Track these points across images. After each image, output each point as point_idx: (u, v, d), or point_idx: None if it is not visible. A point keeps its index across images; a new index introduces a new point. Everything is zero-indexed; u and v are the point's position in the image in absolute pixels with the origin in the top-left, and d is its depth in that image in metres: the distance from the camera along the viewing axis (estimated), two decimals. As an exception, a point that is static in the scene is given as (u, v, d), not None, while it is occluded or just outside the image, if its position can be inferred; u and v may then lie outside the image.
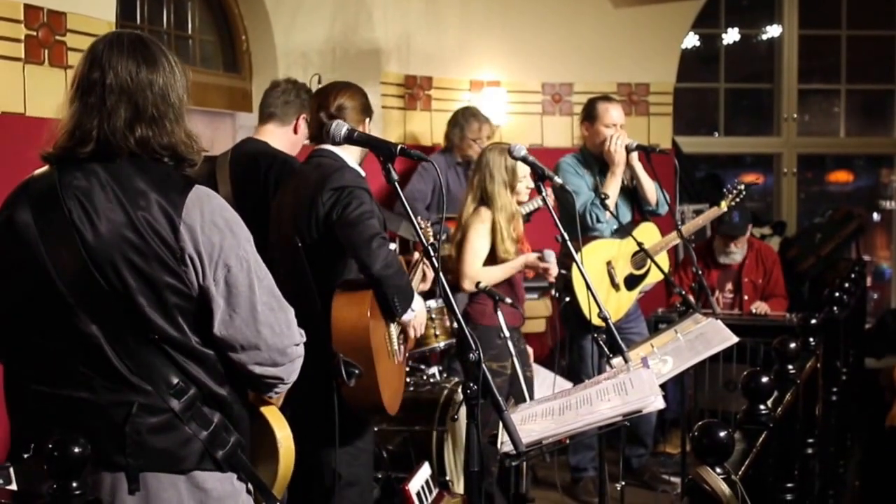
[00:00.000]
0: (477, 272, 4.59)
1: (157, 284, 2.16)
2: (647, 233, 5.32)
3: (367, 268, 3.38)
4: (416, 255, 4.09)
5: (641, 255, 5.26)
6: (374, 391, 3.40)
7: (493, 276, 4.61)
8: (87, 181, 2.19)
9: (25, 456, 2.24)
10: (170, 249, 2.16)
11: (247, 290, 2.21)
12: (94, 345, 2.17)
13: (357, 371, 3.14)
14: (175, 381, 2.20)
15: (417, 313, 3.62)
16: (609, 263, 5.30)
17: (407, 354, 3.89)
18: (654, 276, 5.48)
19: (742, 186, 5.52)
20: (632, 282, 5.42)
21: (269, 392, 2.36)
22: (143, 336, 2.18)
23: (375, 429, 3.85)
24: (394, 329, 3.63)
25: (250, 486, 2.33)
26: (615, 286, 5.31)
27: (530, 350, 5.03)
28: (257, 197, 4.01)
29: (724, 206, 5.53)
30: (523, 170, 4.56)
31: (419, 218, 4.49)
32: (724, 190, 5.59)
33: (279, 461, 2.43)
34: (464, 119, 6.62)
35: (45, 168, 2.27)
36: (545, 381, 5.23)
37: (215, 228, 2.19)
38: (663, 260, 5.39)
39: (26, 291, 2.21)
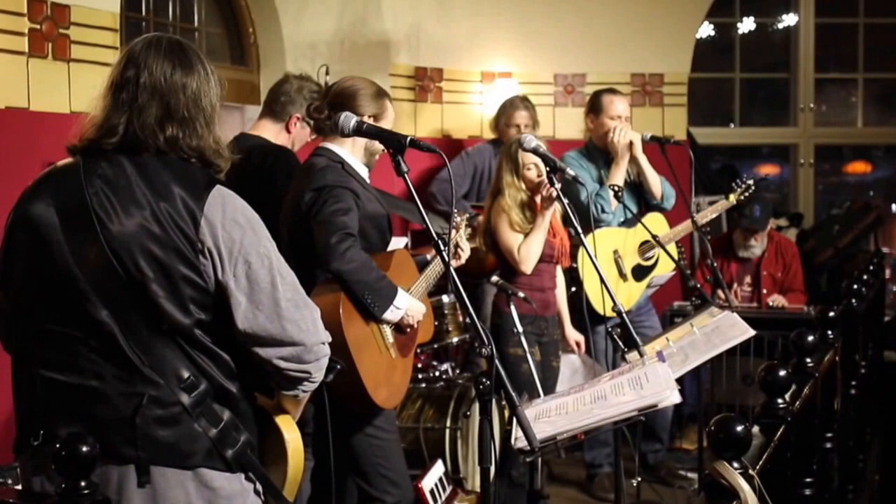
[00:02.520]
0: (525, 253, 4.56)
1: (174, 276, 2.18)
2: (654, 223, 5.27)
3: (326, 265, 3.36)
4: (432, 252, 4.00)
5: (649, 246, 5.29)
6: (358, 386, 3.37)
7: (534, 246, 4.57)
8: (112, 171, 2.22)
9: (35, 444, 2.24)
10: (189, 242, 2.18)
11: (269, 287, 2.23)
12: (107, 333, 2.18)
13: (338, 366, 3.07)
14: (186, 374, 2.21)
15: (406, 310, 3.52)
16: (616, 252, 5.25)
17: (415, 348, 3.80)
18: (664, 268, 5.44)
19: (751, 181, 5.53)
20: (640, 272, 5.39)
21: (295, 389, 2.35)
22: (156, 327, 2.19)
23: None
24: (385, 324, 3.56)
25: (258, 486, 2.32)
26: (622, 276, 5.28)
27: (581, 339, 5.03)
28: (251, 193, 3.95)
29: (732, 199, 5.58)
30: (529, 157, 4.54)
31: (455, 211, 4.44)
32: (734, 183, 5.56)
33: (288, 463, 2.42)
34: (502, 108, 6.66)
35: (68, 159, 2.30)
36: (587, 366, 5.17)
37: (236, 225, 2.23)
38: (671, 251, 5.33)
39: (43, 278, 2.22)
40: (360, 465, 3.59)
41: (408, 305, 3.52)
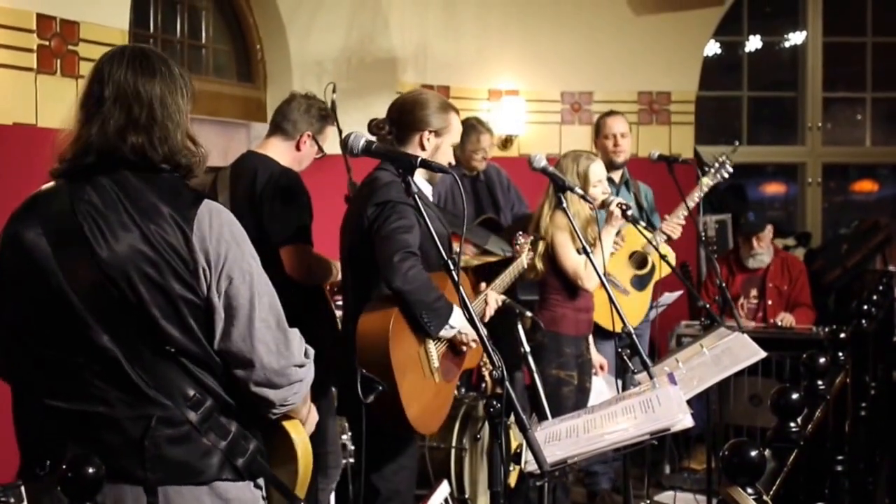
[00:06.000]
0: (590, 268, 4.44)
1: (172, 296, 2.17)
2: (636, 233, 5.27)
3: (388, 282, 3.31)
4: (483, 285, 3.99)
5: (640, 255, 5.36)
6: (397, 408, 3.32)
7: (598, 260, 4.51)
8: (100, 197, 2.20)
9: (41, 473, 2.21)
10: (183, 261, 2.18)
11: (246, 304, 2.22)
12: (110, 359, 2.17)
13: (380, 387, 3.06)
14: (191, 393, 2.21)
15: (460, 328, 3.48)
16: (607, 275, 5.25)
17: (460, 374, 3.76)
18: (664, 270, 5.40)
19: (722, 158, 5.48)
20: (639, 282, 5.42)
21: (268, 412, 2.32)
22: (159, 349, 2.19)
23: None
24: (433, 347, 3.51)
25: (264, 492, 2.34)
26: (624, 292, 5.28)
27: (605, 361, 5.01)
28: (251, 213, 3.94)
29: (707, 180, 5.46)
30: (596, 174, 4.57)
31: (520, 233, 4.40)
32: (705, 166, 5.54)
33: (298, 463, 2.44)
34: (462, 132, 6.51)
35: (51, 183, 2.29)
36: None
37: (223, 240, 2.22)
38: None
39: (39, 306, 2.20)
40: (378, 465, 3.57)
41: (461, 324, 3.47)
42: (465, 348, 3.59)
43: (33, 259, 2.19)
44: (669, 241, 5.30)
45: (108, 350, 2.16)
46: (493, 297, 3.91)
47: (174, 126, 2.26)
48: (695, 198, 5.40)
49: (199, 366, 2.22)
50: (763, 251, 6.54)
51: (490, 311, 3.88)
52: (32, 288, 2.20)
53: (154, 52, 2.33)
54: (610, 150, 5.64)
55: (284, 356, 2.25)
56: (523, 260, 4.14)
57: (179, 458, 2.19)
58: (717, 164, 5.45)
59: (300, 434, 2.46)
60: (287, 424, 2.44)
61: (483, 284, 3.98)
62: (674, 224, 5.34)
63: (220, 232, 2.23)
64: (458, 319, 3.45)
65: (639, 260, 5.40)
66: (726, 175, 5.46)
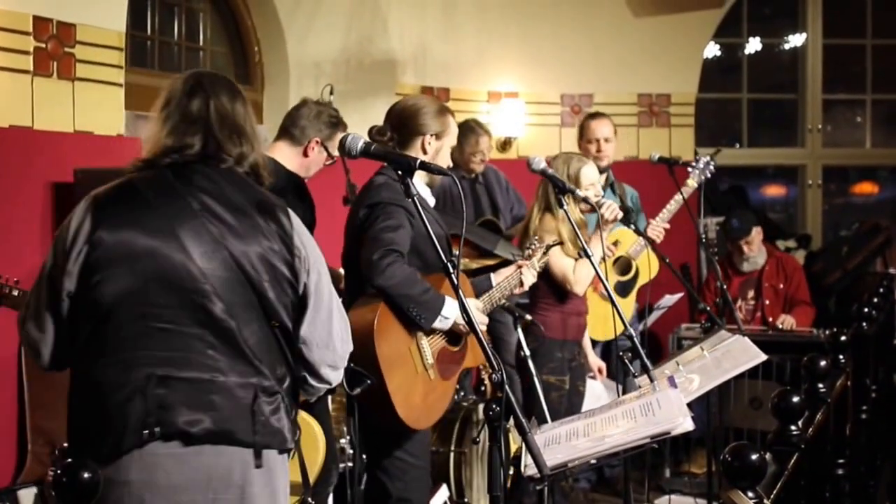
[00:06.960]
0: (580, 274, 4.52)
1: (281, 279, 2.48)
2: (625, 236, 5.25)
3: (370, 281, 3.39)
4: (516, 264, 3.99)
5: (624, 260, 5.37)
6: (386, 403, 3.36)
7: (589, 267, 4.39)
8: (210, 188, 2.48)
9: (149, 439, 2.36)
10: (289, 250, 2.50)
11: (327, 296, 2.56)
12: (225, 329, 2.41)
13: (369, 381, 3.10)
14: (281, 368, 2.50)
15: (455, 318, 3.47)
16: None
17: (459, 372, 3.75)
18: (645, 276, 5.36)
19: (706, 159, 5.41)
20: (622, 289, 5.40)
21: (317, 392, 2.63)
22: (265, 324, 2.47)
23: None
24: (426, 343, 3.51)
25: None
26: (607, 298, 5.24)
27: (603, 365, 4.99)
28: None
29: (692, 182, 5.38)
30: (588, 178, 4.53)
31: (535, 237, 4.39)
32: (688, 168, 5.42)
33: (319, 451, 2.78)
34: (461, 134, 6.46)
35: (132, 175, 2.50)
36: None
37: (305, 237, 2.57)
38: (647, 262, 5.28)
39: (158, 283, 2.40)
40: (384, 465, 3.55)
41: (457, 315, 3.45)
42: (461, 343, 3.58)
43: (152, 241, 2.40)
44: (653, 244, 5.12)
45: (224, 321, 2.41)
46: (528, 274, 3.92)
47: (258, 143, 2.62)
48: (679, 200, 5.34)
49: (289, 345, 2.50)
50: (754, 253, 6.54)
51: (530, 279, 3.93)
52: (151, 266, 2.40)
53: (234, 82, 2.69)
54: (593, 154, 5.50)
55: (347, 342, 2.61)
56: (535, 263, 4.11)
57: (276, 425, 2.46)
58: (701, 165, 5.39)
59: (318, 425, 2.76)
60: (307, 417, 2.70)
61: (492, 276, 3.94)
62: (659, 229, 5.30)
63: (303, 230, 2.58)
64: (451, 310, 3.45)
65: (623, 266, 5.38)
66: (709, 175, 5.37)
